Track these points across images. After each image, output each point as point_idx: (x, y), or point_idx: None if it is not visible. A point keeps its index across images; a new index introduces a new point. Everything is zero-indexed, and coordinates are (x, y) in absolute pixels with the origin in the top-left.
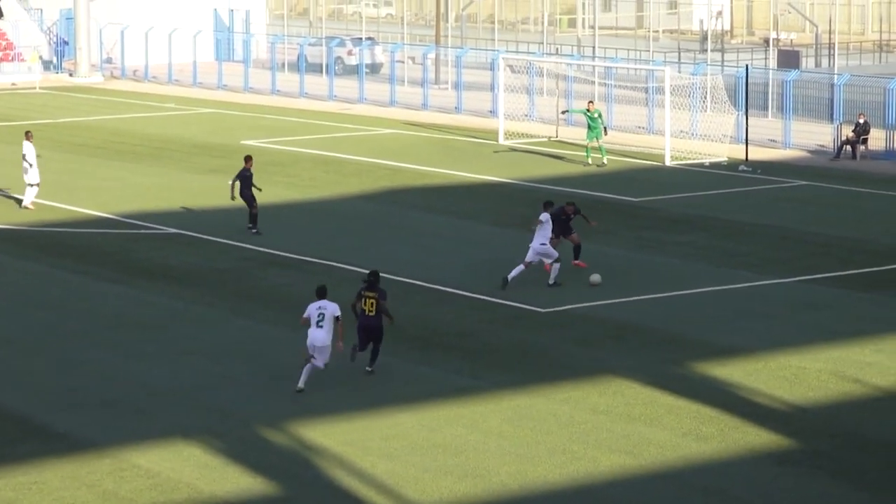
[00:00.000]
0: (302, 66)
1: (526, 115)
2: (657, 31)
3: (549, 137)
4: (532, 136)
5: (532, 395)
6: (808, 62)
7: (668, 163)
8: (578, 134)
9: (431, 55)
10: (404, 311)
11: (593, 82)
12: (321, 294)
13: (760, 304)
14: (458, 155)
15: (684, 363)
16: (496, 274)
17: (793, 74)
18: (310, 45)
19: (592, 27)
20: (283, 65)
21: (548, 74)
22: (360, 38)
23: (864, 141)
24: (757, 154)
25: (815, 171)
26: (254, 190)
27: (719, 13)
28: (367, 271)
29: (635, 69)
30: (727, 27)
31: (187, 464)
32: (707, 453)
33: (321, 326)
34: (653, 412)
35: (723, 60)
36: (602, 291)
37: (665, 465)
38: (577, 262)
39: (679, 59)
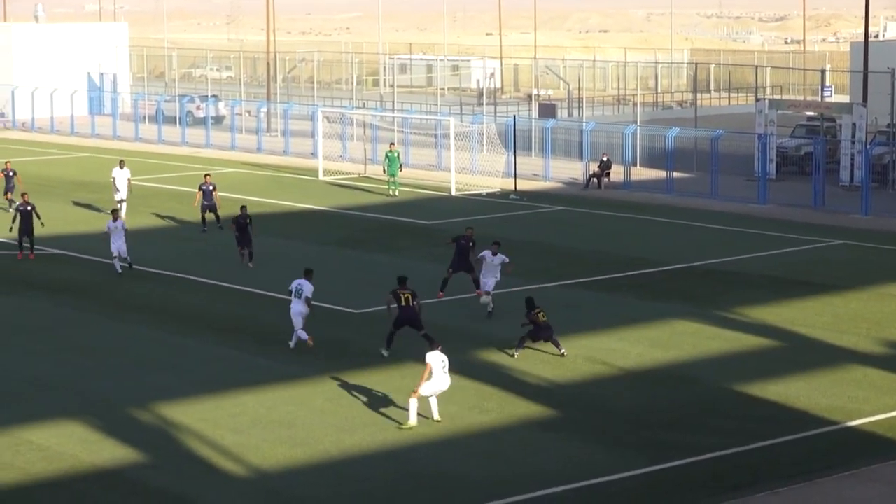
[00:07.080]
0: (160, 118)
1: (340, 156)
2: (443, 89)
3: (359, 174)
4: (346, 173)
5: (348, 378)
6: (562, 113)
7: (454, 193)
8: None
9: (264, 109)
10: (241, 313)
11: (393, 130)
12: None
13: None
14: (286, 188)
15: (469, 353)
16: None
17: (550, 122)
18: (166, 101)
19: (392, 86)
20: (145, 117)
21: (357, 123)
22: (207, 96)
23: (608, 174)
24: (523, 185)
25: (569, 199)
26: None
27: (492, 74)
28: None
29: (426, 119)
30: (498, 85)
31: (71, 439)
32: (487, 423)
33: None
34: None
35: (496, 112)
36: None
37: (455, 433)
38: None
39: (461, 110)
